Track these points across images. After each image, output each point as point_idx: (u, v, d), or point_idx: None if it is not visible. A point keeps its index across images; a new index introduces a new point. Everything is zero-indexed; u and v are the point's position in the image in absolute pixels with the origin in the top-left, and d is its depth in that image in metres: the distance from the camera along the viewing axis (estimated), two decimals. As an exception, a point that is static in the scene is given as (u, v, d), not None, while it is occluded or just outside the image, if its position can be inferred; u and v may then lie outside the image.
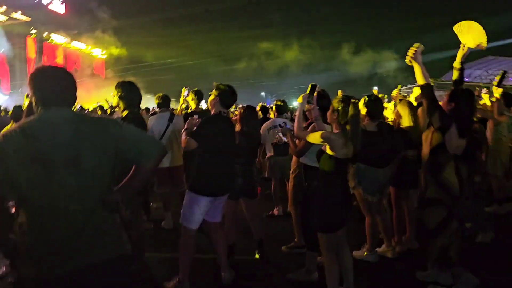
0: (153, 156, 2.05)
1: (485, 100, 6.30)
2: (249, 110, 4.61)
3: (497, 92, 5.19)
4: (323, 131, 3.34)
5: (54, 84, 1.95)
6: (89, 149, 1.87)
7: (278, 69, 41.11)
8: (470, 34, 3.60)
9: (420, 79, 3.33)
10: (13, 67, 26.51)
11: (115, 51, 35.11)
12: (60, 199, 1.82)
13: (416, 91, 6.26)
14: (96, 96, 22.70)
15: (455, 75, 3.67)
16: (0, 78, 24.98)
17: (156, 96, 6.04)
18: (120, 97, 3.91)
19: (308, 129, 3.80)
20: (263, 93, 50.92)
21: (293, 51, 36.80)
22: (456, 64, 3.65)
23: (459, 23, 3.68)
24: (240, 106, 11.79)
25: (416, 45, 3.25)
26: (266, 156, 6.24)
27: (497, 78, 5.41)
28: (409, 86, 28.29)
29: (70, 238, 1.83)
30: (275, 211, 6.21)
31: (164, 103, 5.90)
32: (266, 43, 37.24)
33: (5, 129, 1.93)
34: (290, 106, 14.07)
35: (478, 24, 3.62)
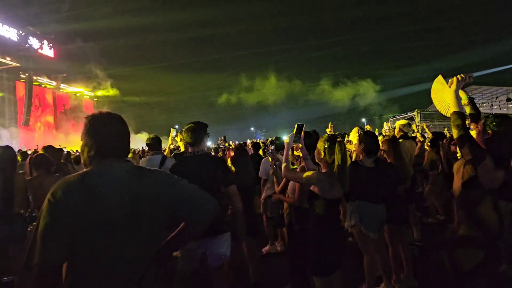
0: (208, 214, 1.95)
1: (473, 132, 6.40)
2: (239, 150, 4.63)
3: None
4: (310, 172, 3.32)
5: (113, 132, 1.82)
6: (150, 206, 1.75)
7: (266, 104, 41.82)
8: (441, 92, 3.65)
9: (453, 106, 3.18)
10: (2, 110, 26.52)
11: (103, 91, 35.53)
12: (120, 262, 1.68)
13: (399, 124, 6.39)
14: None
15: (467, 110, 3.52)
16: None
17: (147, 138, 6.03)
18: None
19: (297, 170, 3.79)
20: (252, 128, 51.31)
21: (281, 87, 37.62)
22: (463, 100, 3.51)
23: (432, 93, 3.74)
24: (231, 143, 11.79)
25: (469, 74, 3.15)
26: (266, 193, 6.15)
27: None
28: (397, 117, 28.88)
29: None
30: (268, 248, 6.11)
31: (154, 144, 5.87)
32: (253, 81, 38.11)
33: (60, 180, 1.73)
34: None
35: (433, 86, 3.69)
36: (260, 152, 7.91)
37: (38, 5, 27.25)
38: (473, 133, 3.11)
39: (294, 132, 3.60)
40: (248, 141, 15.22)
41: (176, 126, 6.41)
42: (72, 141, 24.24)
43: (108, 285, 1.70)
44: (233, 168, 4.49)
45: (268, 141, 7.70)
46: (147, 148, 7.57)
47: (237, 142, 17.93)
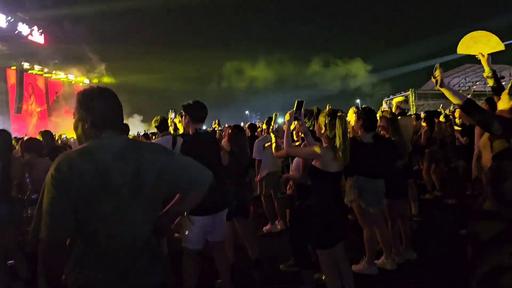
0: (203, 185, 1.97)
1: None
2: (237, 129, 4.61)
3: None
4: (312, 147, 3.37)
5: (108, 105, 1.81)
6: (150, 177, 1.77)
7: (258, 87, 41.69)
8: (478, 43, 3.53)
9: (454, 100, 3.02)
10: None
11: (97, 78, 35.18)
12: (125, 228, 1.72)
13: (396, 101, 6.39)
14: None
15: (490, 82, 3.50)
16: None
17: (154, 120, 5.99)
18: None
19: (302, 146, 3.80)
20: (247, 112, 51.23)
21: (272, 70, 37.47)
22: (487, 72, 3.48)
23: (460, 44, 3.57)
24: (227, 125, 11.76)
25: (436, 72, 3.00)
26: (261, 174, 6.18)
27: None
28: (391, 97, 28.88)
29: (129, 265, 1.73)
30: (269, 227, 6.17)
31: (163, 126, 5.85)
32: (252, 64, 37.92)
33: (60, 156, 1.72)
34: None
35: (480, 32, 3.51)
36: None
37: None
38: (499, 104, 3.02)
39: (294, 109, 3.59)
40: (242, 123, 15.17)
41: (172, 109, 6.31)
42: (65, 128, 24.02)
43: (115, 255, 1.72)
44: (229, 147, 4.46)
45: (263, 123, 7.66)
46: (149, 131, 7.54)
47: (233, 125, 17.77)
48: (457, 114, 6.33)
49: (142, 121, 33.28)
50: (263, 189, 6.20)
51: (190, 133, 3.68)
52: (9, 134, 4.39)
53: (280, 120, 5.05)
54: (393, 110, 6.31)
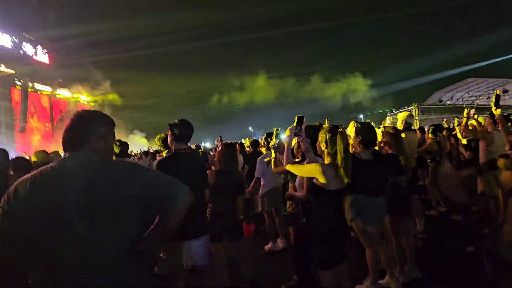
0: (180, 203, 1.90)
1: (473, 121, 6.34)
2: (227, 148, 4.44)
3: (497, 112, 5.20)
4: (312, 164, 3.27)
5: (73, 128, 1.85)
6: (109, 195, 1.69)
7: (260, 104, 41.83)
8: None
9: None
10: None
11: (100, 97, 35.51)
12: (74, 253, 1.61)
13: (402, 116, 6.34)
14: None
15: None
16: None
17: (157, 138, 5.92)
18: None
19: (305, 163, 3.69)
20: (250, 128, 51.31)
21: (276, 86, 37.69)
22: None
23: None
24: (218, 143, 11.55)
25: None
26: (262, 191, 6.08)
27: (493, 100, 5.42)
28: (394, 112, 28.86)
29: None
30: (271, 245, 6.05)
31: (166, 143, 5.77)
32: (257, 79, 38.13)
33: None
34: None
35: None
36: (263, 150, 7.72)
37: (31, 10, 27.20)
38: None
39: (294, 124, 3.52)
40: (243, 140, 15.03)
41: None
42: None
43: (69, 276, 1.63)
44: (218, 165, 4.31)
45: (263, 138, 7.56)
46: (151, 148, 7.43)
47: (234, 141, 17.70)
48: (461, 128, 6.30)
49: (146, 137, 33.40)
50: (265, 206, 6.10)
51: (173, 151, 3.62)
52: (4, 152, 4.41)
53: (282, 136, 4.96)
54: (400, 124, 6.25)
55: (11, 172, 4.87)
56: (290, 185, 4.66)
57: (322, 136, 3.31)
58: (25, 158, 5.10)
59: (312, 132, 3.82)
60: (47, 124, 32.39)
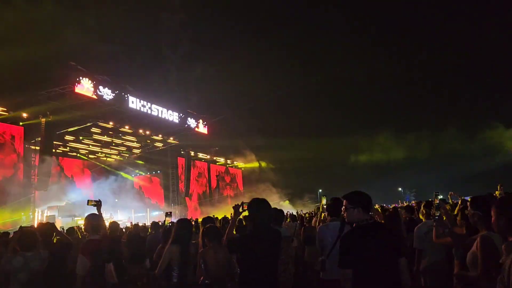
0: None
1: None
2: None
3: None
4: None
5: None
6: None
7: (414, 160, 39.00)
8: None
9: None
10: (166, 184, 30.54)
11: (251, 164, 38.42)
12: None
13: None
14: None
15: None
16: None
17: (324, 200, 5.79)
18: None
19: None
20: (400, 189, 48.07)
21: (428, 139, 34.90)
22: None
23: None
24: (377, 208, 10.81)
25: None
26: (423, 263, 5.34)
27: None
28: None
29: None
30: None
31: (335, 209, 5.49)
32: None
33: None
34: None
35: None
36: (422, 217, 6.59)
37: (193, 90, 31.60)
38: None
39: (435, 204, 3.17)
40: (377, 205, 13.49)
41: (320, 190, 6.13)
42: (225, 209, 25.94)
43: None
44: None
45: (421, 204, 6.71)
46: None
47: (384, 205, 16.29)
48: None
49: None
50: (428, 283, 5.33)
51: None
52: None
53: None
54: None
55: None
56: (456, 262, 4.03)
57: (496, 210, 2.79)
58: (31, 235, 4.76)
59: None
60: (206, 188, 35.78)
